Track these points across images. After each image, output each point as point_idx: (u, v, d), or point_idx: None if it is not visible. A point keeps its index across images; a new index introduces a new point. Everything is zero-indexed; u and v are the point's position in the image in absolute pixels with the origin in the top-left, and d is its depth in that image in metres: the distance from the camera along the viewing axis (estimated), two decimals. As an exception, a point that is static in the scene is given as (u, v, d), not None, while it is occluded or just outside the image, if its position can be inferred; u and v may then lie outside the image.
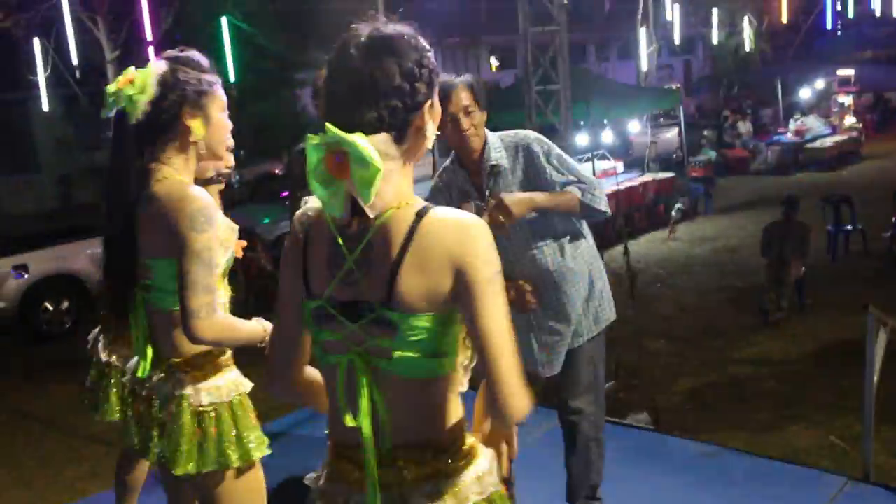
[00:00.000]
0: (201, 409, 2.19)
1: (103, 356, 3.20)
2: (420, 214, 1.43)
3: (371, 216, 1.41)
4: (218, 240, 2.15)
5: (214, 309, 2.09)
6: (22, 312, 8.99)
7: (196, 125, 2.20)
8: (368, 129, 1.39)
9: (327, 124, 1.38)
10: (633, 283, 6.23)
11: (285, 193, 12.62)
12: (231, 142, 2.43)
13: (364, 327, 1.46)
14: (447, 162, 3.14)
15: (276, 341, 1.66)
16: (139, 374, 2.27)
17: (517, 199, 2.82)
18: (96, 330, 3.30)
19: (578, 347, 3.12)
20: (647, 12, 17.16)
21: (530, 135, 3.04)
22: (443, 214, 1.45)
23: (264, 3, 16.39)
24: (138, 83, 2.14)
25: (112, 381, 3.16)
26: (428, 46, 1.49)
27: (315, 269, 1.52)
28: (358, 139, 1.35)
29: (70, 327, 9.20)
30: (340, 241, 1.47)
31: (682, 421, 5.32)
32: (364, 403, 1.46)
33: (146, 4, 12.52)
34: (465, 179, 3.04)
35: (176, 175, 2.19)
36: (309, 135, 1.40)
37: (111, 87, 2.18)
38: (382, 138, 1.40)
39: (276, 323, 1.65)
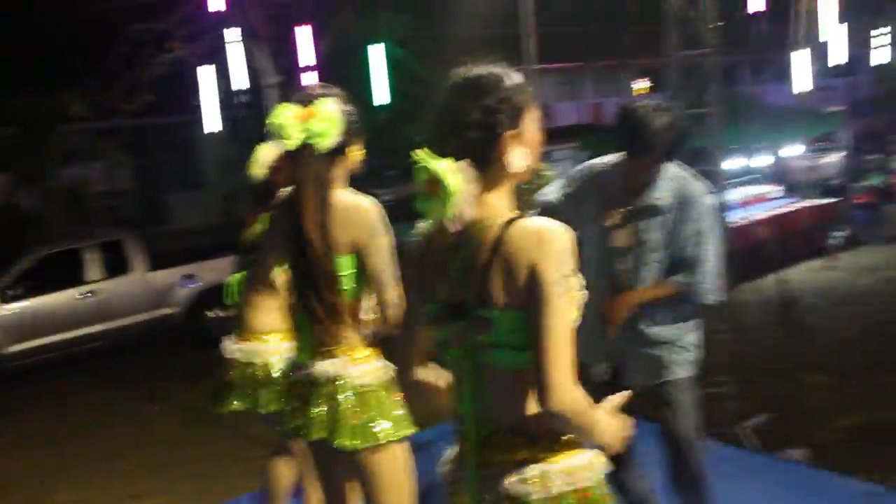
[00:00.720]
0: (359, 389, 2.48)
1: (233, 354, 3.46)
2: (508, 224, 1.66)
3: (453, 230, 1.67)
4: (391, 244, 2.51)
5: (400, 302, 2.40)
6: (190, 318, 9.68)
7: (358, 154, 2.64)
8: (455, 156, 1.65)
9: (419, 151, 1.66)
10: (789, 312, 6.00)
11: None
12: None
13: (467, 325, 1.69)
14: (614, 156, 3.17)
15: (402, 339, 1.95)
16: (301, 359, 2.58)
17: (621, 305, 3.02)
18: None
19: (676, 379, 3.14)
20: (804, 33, 16.46)
21: (703, 198, 3.07)
22: (527, 223, 1.66)
23: (415, 30, 16.90)
24: (328, 119, 2.45)
25: (243, 374, 3.41)
26: (517, 82, 1.73)
27: (430, 275, 1.78)
28: (440, 164, 1.63)
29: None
30: (446, 251, 1.73)
31: (843, 458, 5.07)
32: (467, 392, 1.72)
33: (304, 32, 13.19)
34: (623, 190, 3.07)
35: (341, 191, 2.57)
36: (413, 156, 1.66)
37: (289, 120, 2.43)
38: (465, 164, 1.65)
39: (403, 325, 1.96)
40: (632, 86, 28.24)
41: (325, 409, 2.47)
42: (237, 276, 3.53)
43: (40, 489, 5.75)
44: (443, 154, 1.66)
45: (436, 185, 1.63)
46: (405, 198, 15.15)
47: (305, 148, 2.47)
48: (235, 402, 3.43)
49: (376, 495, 2.51)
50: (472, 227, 1.68)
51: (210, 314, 9.75)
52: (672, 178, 3.03)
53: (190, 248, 11.71)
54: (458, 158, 1.65)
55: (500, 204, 1.72)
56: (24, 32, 15.40)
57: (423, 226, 1.83)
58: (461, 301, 1.69)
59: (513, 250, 1.63)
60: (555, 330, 1.60)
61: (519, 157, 1.71)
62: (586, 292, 1.73)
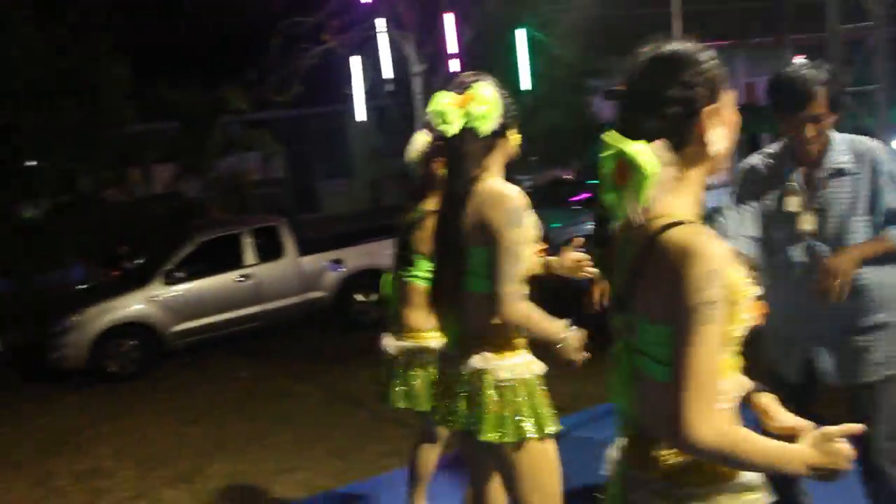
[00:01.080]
0: (502, 383, 2.43)
1: (390, 349, 3.53)
2: (665, 228, 1.52)
3: (637, 222, 1.55)
4: (525, 237, 2.43)
5: (520, 297, 2.39)
6: (337, 302, 10.04)
7: (516, 138, 2.58)
8: (649, 137, 1.52)
9: (609, 132, 1.54)
10: None
11: (575, 198, 12.79)
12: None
13: (625, 323, 1.64)
14: (775, 146, 2.99)
15: None
16: (449, 350, 2.59)
17: (844, 259, 2.62)
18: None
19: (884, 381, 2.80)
20: None
21: (881, 147, 2.82)
22: (680, 234, 1.50)
23: (559, 14, 16.69)
24: (488, 102, 2.44)
25: (405, 371, 3.46)
26: (712, 58, 1.61)
27: (615, 268, 1.70)
28: (633, 146, 1.49)
29: (376, 318, 10.08)
30: (623, 245, 1.65)
31: None
32: (620, 387, 1.66)
33: (450, 20, 13.31)
34: (794, 172, 2.86)
35: (494, 177, 2.52)
36: (603, 138, 1.55)
37: (448, 106, 2.43)
38: (660, 145, 1.52)
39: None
40: (788, 63, 26.73)
41: (470, 401, 2.46)
42: (389, 273, 3.57)
43: (198, 460, 6.14)
44: (634, 136, 1.53)
45: (628, 171, 1.50)
46: (546, 184, 15.11)
47: (465, 133, 2.45)
48: (401, 401, 3.47)
49: (518, 490, 2.47)
50: (646, 221, 1.56)
51: (357, 299, 10.10)
52: (843, 141, 2.79)
53: (338, 234, 12.15)
54: (651, 139, 1.53)
55: (680, 201, 1.58)
56: (188, 31, 16.38)
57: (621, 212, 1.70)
58: (625, 297, 1.63)
59: (661, 261, 1.51)
60: (693, 360, 1.45)
61: (719, 135, 1.58)
62: (763, 300, 1.58)
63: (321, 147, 22.82)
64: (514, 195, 2.42)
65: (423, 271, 3.31)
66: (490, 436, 2.40)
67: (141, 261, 10.73)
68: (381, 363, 3.61)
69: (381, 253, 10.21)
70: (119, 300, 9.17)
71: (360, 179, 22.15)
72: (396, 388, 3.49)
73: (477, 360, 2.46)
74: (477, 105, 2.42)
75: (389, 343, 3.54)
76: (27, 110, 12.05)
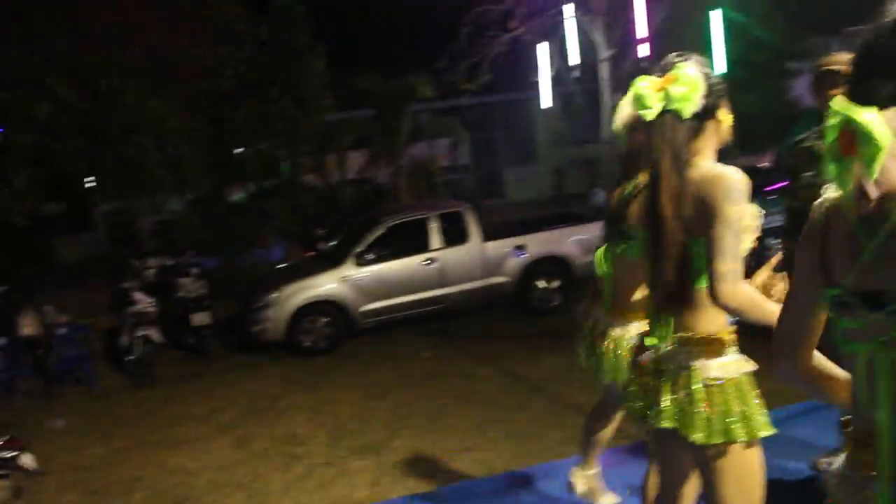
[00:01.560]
0: (710, 381, 2.31)
1: (594, 318, 3.50)
2: None
3: (872, 198, 1.38)
4: (745, 217, 2.29)
5: (741, 277, 2.23)
6: (519, 287, 10.13)
7: (728, 119, 2.43)
8: (883, 104, 1.37)
9: (836, 98, 1.39)
10: None
11: (770, 188, 12.11)
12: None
13: (887, 317, 1.40)
14: None
15: (785, 325, 1.70)
16: (653, 343, 2.47)
17: None
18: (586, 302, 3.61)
19: None
20: None
21: None
22: None
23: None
24: (689, 83, 2.32)
25: (608, 350, 3.43)
26: None
27: (833, 255, 1.51)
28: (863, 113, 1.34)
29: (558, 305, 10.08)
30: (858, 227, 1.45)
31: None
32: (882, 394, 1.43)
33: (640, 3, 12.97)
34: None
35: (707, 161, 2.40)
36: (831, 105, 1.41)
37: (647, 90, 2.36)
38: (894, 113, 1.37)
39: (787, 306, 1.69)
40: None
41: (675, 398, 2.35)
42: (601, 248, 3.52)
43: (384, 433, 6.43)
44: (865, 104, 1.38)
45: (855, 140, 1.36)
46: (747, 169, 14.40)
47: (666, 116, 2.34)
48: (608, 378, 3.45)
49: (719, 494, 2.35)
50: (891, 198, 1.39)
51: (539, 285, 10.14)
52: None
53: (522, 220, 12.23)
54: (885, 107, 1.38)
55: None
56: (380, 22, 17.00)
57: (823, 199, 1.57)
58: (877, 290, 1.41)
59: None
60: None
61: None
62: None
63: (506, 134, 22.98)
64: (734, 175, 2.27)
65: (635, 247, 3.24)
66: (697, 436, 2.29)
67: (334, 242, 11.31)
68: (583, 329, 3.59)
69: (563, 240, 10.21)
70: (314, 279, 9.74)
71: (545, 166, 22.13)
72: (595, 357, 3.46)
73: (686, 357, 2.36)
74: (677, 87, 2.30)
75: (595, 312, 3.50)
76: (237, 103, 13.01)
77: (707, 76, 2.35)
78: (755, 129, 15.45)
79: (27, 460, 5.73)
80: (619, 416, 3.77)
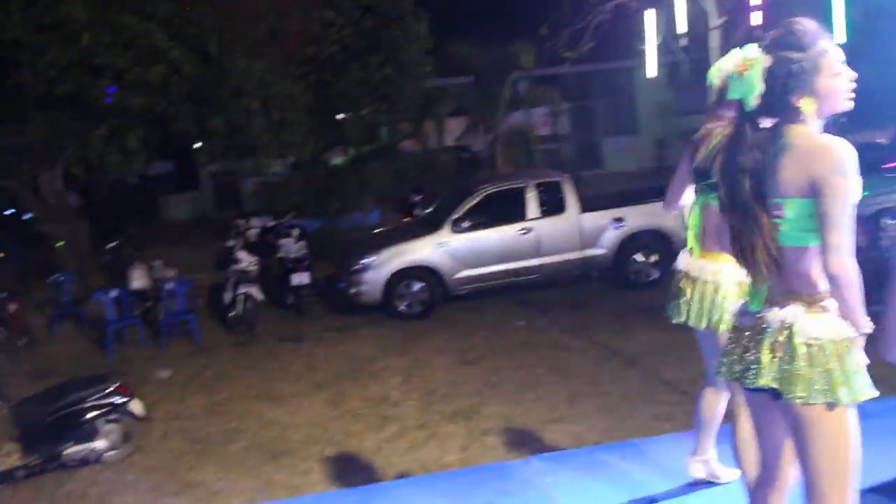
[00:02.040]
0: (811, 341, 2.27)
1: (686, 268, 3.46)
2: None
3: None
4: (854, 191, 2.24)
5: (853, 252, 2.22)
6: (616, 260, 9.96)
7: (805, 104, 2.33)
8: None
9: None
10: None
11: (889, 165, 11.50)
12: (847, 98, 2.40)
13: None
14: None
15: None
16: (751, 306, 2.45)
17: None
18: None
19: None
20: None
21: None
22: None
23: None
24: (746, 77, 2.31)
25: (694, 289, 3.39)
26: None
27: None
28: None
29: (655, 279, 9.87)
30: None
31: None
32: None
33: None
34: None
35: (812, 129, 2.34)
36: None
37: (723, 69, 2.31)
38: None
39: None
40: None
41: (775, 357, 2.32)
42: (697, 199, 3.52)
43: (475, 399, 6.47)
44: None
45: None
46: (866, 145, 13.68)
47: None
48: (691, 316, 3.41)
49: (812, 457, 2.32)
50: None
51: (636, 259, 9.95)
52: None
53: (620, 192, 11.99)
54: None
55: None
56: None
57: None
58: None
59: None
60: None
61: None
62: None
63: (607, 103, 22.52)
64: (842, 146, 2.23)
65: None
66: (797, 395, 2.25)
67: (431, 209, 11.37)
68: (671, 276, 3.55)
69: (664, 213, 9.94)
70: (410, 244, 9.83)
71: (645, 137, 21.61)
72: (683, 303, 3.43)
73: (785, 314, 2.32)
74: (741, 80, 2.33)
75: (683, 260, 3.47)
76: (340, 68, 13.16)
77: (773, 72, 2.31)
78: (875, 102, 14.63)
79: (136, 407, 6.05)
80: (725, 397, 3.67)
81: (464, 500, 3.62)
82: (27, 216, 13.66)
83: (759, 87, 2.32)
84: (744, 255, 2.44)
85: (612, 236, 9.97)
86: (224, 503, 5.04)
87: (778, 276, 2.37)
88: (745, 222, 2.40)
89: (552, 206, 9.98)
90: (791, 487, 2.57)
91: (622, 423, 5.63)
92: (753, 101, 2.34)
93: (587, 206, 10.05)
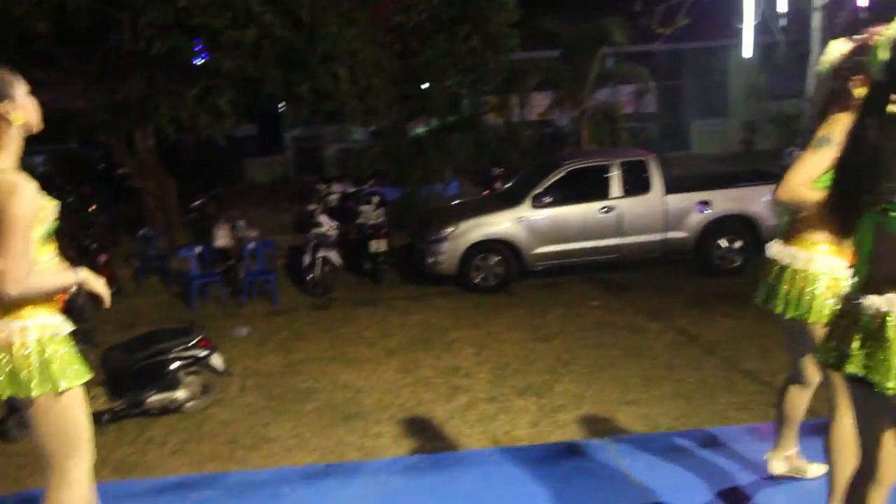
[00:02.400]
0: None
1: (776, 256, 3.34)
2: None
3: None
4: None
5: None
6: (699, 244, 9.73)
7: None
8: None
9: None
10: None
11: None
12: None
13: None
14: None
15: None
16: (854, 290, 2.38)
17: None
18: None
19: None
20: None
21: None
22: None
23: None
24: (881, 44, 2.21)
25: (782, 276, 3.28)
26: None
27: None
28: None
29: (739, 266, 9.61)
30: None
31: None
32: None
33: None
34: None
35: None
36: None
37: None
38: None
39: None
40: None
41: (868, 344, 2.26)
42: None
43: (547, 377, 6.44)
44: None
45: None
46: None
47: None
48: (779, 306, 3.30)
49: None
50: None
51: (721, 244, 9.70)
52: None
53: (707, 175, 11.69)
54: None
55: None
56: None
57: None
58: None
59: None
60: None
61: None
62: None
63: (697, 83, 21.87)
64: None
65: (820, 184, 3.06)
66: (886, 385, 2.19)
67: (511, 183, 11.29)
68: (761, 263, 3.46)
69: (752, 199, 9.66)
70: (489, 217, 9.79)
71: (735, 120, 20.93)
72: (772, 292, 3.31)
73: (882, 301, 2.24)
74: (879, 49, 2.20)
75: (775, 247, 3.37)
76: (427, 38, 13.10)
77: None
78: None
79: (216, 361, 6.21)
80: (809, 391, 3.56)
81: (539, 474, 3.60)
82: (120, 171, 14.12)
83: (884, 55, 2.22)
84: (850, 239, 2.35)
85: (696, 220, 9.74)
86: (296, 460, 5.14)
87: (881, 264, 2.29)
88: (856, 207, 2.30)
89: (636, 185, 9.79)
90: (893, 482, 2.48)
91: (698, 410, 5.51)
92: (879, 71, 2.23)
93: (672, 187, 9.82)
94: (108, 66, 10.73)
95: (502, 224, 9.67)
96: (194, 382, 6.16)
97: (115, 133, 11.96)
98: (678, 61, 21.34)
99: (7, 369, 2.46)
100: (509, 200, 10.03)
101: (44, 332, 2.50)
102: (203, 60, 10.37)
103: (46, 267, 2.48)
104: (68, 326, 2.60)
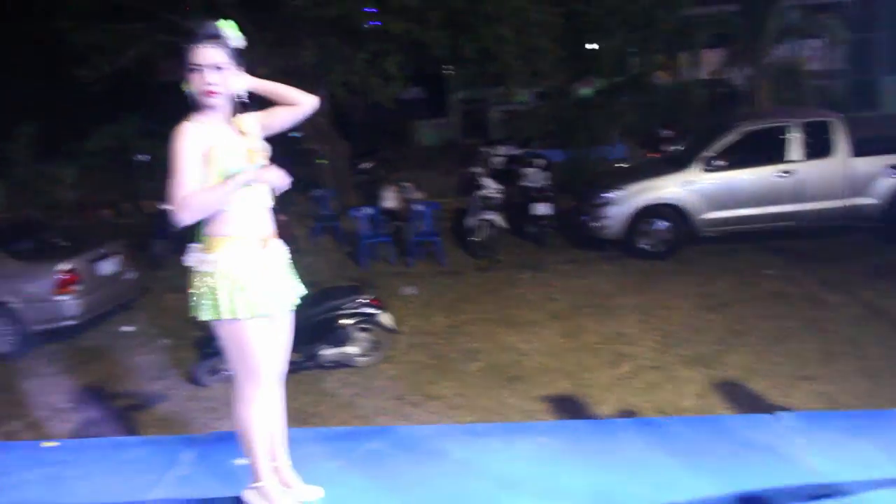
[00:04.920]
0: None
1: None
2: None
3: None
4: None
5: None
6: (888, 212, 9.01)
7: None
8: None
9: None
10: None
11: None
12: None
13: None
14: None
15: None
16: None
17: None
18: None
19: None
20: None
21: None
22: None
23: None
24: None
25: None
26: None
27: None
28: None
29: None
30: None
31: None
32: None
33: None
34: None
35: None
36: None
37: None
38: None
39: None
40: None
41: None
42: None
43: (716, 347, 6.22)
44: None
45: None
46: None
47: None
48: None
49: None
50: None
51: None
52: None
53: (899, 136, 10.79)
54: None
55: None
56: None
57: None
58: None
59: None
60: None
61: None
62: None
63: (890, 36, 20.07)
64: None
65: None
66: None
67: (681, 145, 10.88)
68: None
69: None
70: (657, 181, 9.48)
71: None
72: None
73: None
74: None
75: None
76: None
77: None
78: None
79: (386, 319, 6.44)
80: None
81: (705, 447, 3.48)
82: (294, 134, 14.79)
83: None
84: None
85: (886, 185, 9.02)
86: (460, 419, 5.27)
87: None
88: None
89: (818, 148, 9.17)
90: None
91: (883, 388, 5.17)
92: None
93: (859, 150, 9.12)
94: (286, 33, 11.19)
95: (671, 188, 9.35)
96: (365, 339, 6.42)
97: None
98: (872, 11, 19.64)
99: (198, 293, 2.73)
100: (679, 163, 9.67)
101: (229, 265, 2.71)
102: (373, 24, 10.62)
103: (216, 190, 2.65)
104: (257, 261, 2.77)
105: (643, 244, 9.36)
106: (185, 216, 2.56)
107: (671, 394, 5.44)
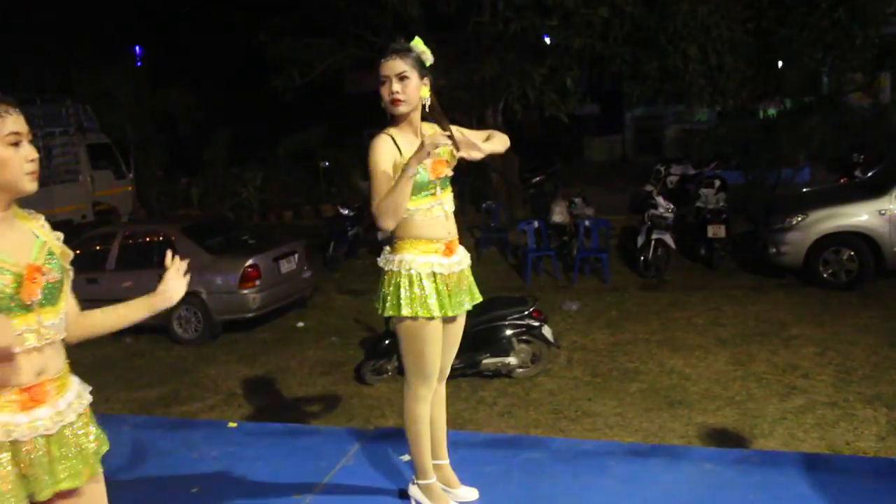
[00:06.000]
0: None
1: None
2: None
3: None
4: None
5: None
6: None
7: None
8: None
9: None
10: None
11: None
12: None
13: None
14: None
15: None
16: None
17: None
18: None
19: None
20: None
21: None
22: None
23: None
24: None
25: None
26: None
27: None
28: None
29: None
30: None
31: None
32: None
33: None
34: None
35: None
36: None
37: None
38: None
39: None
40: None
41: None
42: None
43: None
44: None
45: None
46: None
47: None
48: None
49: None
50: None
51: None
52: None
53: None
54: None
55: None
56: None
57: None
58: None
59: None
60: None
61: None
62: None
63: None
64: None
65: None
66: None
67: (874, 171, 10.17)
68: None
69: None
70: (845, 208, 8.91)
71: None
72: None
73: None
74: None
75: None
76: (784, 12, 12.22)
77: None
78: None
79: (547, 332, 6.46)
80: None
81: (886, 490, 3.27)
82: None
83: None
84: None
85: None
86: (617, 437, 5.20)
87: None
88: None
89: None
90: None
91: None
92: None
93: None
94: (469, 48, 11.47)
95: (861, 216, 8.76)
96: (525, 350, 6.48)
97: (469, 111, 12.81)
98: None
99: (383, 291, 2.93)
100: (871, 190, 9.05)
101: (412, 267, 2.87)
102: (553, 40, 10.69)
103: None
104: (440, 264, 2.90)
105: (825, 273, 8.82)
106: (385, 222, 2.76)
107: (847, 433, 5.12)
